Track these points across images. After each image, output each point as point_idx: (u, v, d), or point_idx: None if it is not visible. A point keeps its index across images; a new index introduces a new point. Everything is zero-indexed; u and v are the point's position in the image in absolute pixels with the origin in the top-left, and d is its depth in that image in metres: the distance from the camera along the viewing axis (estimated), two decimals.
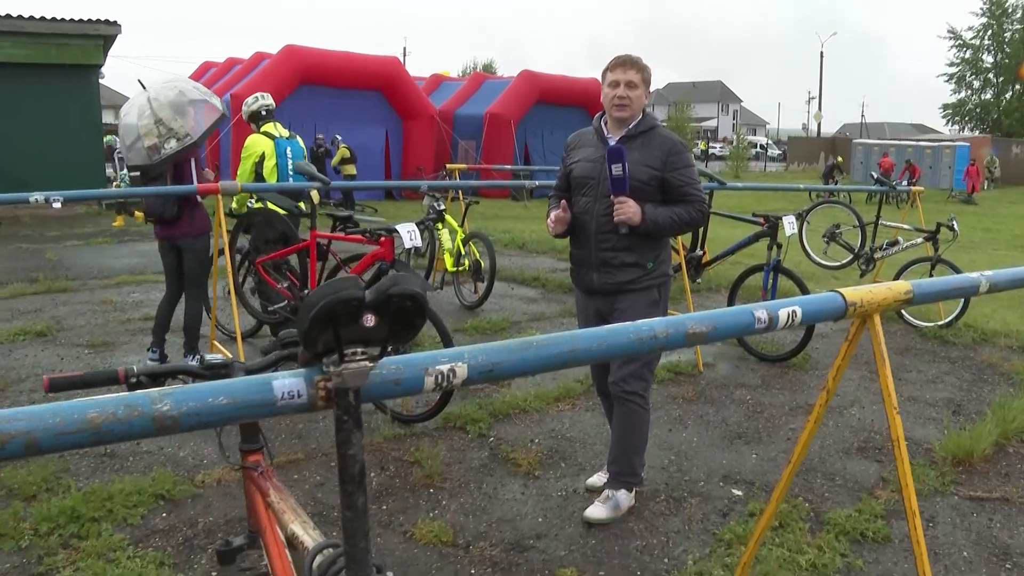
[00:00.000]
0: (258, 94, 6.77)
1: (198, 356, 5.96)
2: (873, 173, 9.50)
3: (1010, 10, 45.25)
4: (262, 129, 6.58)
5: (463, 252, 7.86)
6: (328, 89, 21.38)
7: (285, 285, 5.36)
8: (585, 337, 1.33)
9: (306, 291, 5.17)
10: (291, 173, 6.14)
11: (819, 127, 54.53)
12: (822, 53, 55.77)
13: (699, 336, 1.42)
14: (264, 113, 6.69)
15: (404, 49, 58.73)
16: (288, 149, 6.45)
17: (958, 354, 6.92)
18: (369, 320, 1.00)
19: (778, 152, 57.57)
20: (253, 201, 6.27)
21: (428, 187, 7.11)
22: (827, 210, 8.89)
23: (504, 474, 4.21)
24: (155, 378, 1.60)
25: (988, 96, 46.96)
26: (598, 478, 4.05)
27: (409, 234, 4.54)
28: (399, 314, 1.02)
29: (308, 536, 1.34)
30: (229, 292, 5.60)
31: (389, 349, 1.07)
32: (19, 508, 3.72)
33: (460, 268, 7.86)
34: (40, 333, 6.99)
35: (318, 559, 1.21)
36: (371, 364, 1.04)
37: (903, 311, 7.63)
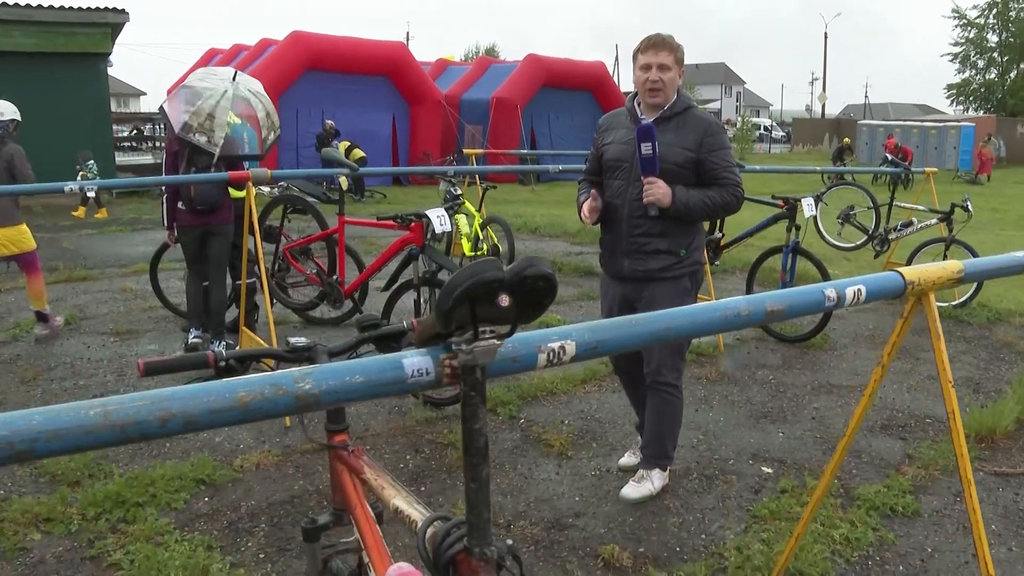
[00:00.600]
0: None
1: (225, 342, 6.06)
2: (888, 155, 9.54)
3: None
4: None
5: (481, 237, 7.91)
6: (334, 75, 21.35)
7: (313, 271, 5.42)
8: (679, 315, 1.41)
9: (335, 276, 5.24)
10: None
11: (823, 108, 54.40)
12: (826, 34, 55.51)
13: (777, 313, 1.49)
14: None
15: (407, 34, 58.57)
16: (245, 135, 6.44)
17: (973, 333, 6.99)
18: (504, 300, 1.06)
19: (782, 134, 57.42)
20: None
21: (455, 172, 7.16)
22: (841, 192, 8.92)
23: (537, 455, 4.29)
24: (242, 361, 1.66)
25: (993, 76, 46.80)
26: (629, 457, 4.11)
27: (439, 219, 4.60)
28: (530, 294, 1.08)
29: (414, 510, 1.40)
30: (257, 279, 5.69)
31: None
32: (66, 493, 3.81)
33: (479, 252, 7.92)
34: (64, 322, 7.06)
35: (430, 531, 1.28)
36: (499, 343, 1.11)
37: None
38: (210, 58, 27.17)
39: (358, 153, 19.31)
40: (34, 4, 16.07)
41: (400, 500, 1.45)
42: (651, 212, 3.51)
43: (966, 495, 2.06)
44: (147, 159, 24.03)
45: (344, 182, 5.23)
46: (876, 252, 8.29)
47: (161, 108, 5.64)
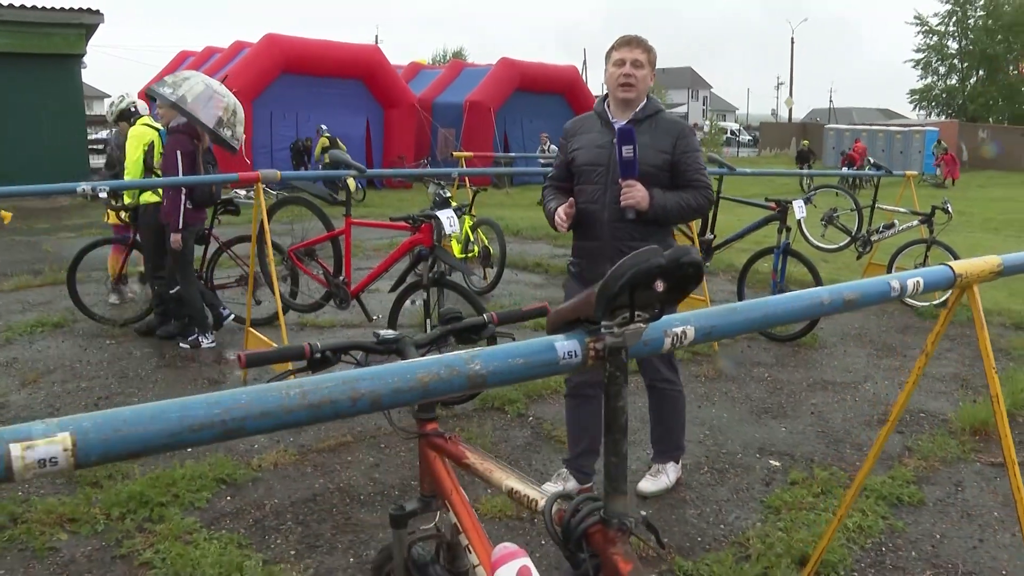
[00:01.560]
0: (123, 94, 6.91)
1: (212, 334, 6.17)
2: (870, 158, 9.77)
3: None
4: (143, 121, 6.60)
5: (471, 238, 7.98)
6: (309, 78, 21.33)
7: (320, 272, 5.47)
8: (774, 303, 1.51)
9: (340, 277, 5.29)
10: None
11: (790, 112, 55.18)
12: (793, 39, 56.43)
13: (852, 302, 1.60)
14: (133, 110, 6.88)
15: (376, 37, 58.45)
16: None
17: (956, 332, 7.18)
18: (659, 286, 1.15)
19: (748, 138, 58.10)
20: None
21: (458, 174, 7.23)
22: (823, 194, 9.12)
23: (550, 451, 4.37)
24: (335, 353, 1.73)
25: (953, 82, 47.77)
26: (549, 487, 3.77)
27: (449, 220, 4.67)
28: (680, 280, 1.17)
29: (532, 489, 1.48)
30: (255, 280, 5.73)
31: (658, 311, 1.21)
32: (89, 494, 3.83)
33: (469, 254, 7.99)
34: (57, 324, 7.04)
35: (555, 508, 1.36)
36: (644, 326, 1.20)
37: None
38: (181, 60, 26.93)
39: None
40: (6, 4, 15.86)
41: (514, 481, 1.52)
42: (628, 215, 3.48)
43: (1010, 474, 2.17)
44: None
45: (352, 183, 5.25)
46: (859, 253, 8.49)
47: (180, 108, 5.61)
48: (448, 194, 7.86)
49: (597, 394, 3.71)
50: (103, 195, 4.99)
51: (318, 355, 1.67)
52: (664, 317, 1.29)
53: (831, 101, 61.77)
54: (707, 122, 43.36)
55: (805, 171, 12.81)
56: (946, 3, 46.51)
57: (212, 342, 6.29)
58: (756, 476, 4.12)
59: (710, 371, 5.80)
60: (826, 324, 7.15)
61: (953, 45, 47.37)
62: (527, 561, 1.54)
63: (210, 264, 6.69)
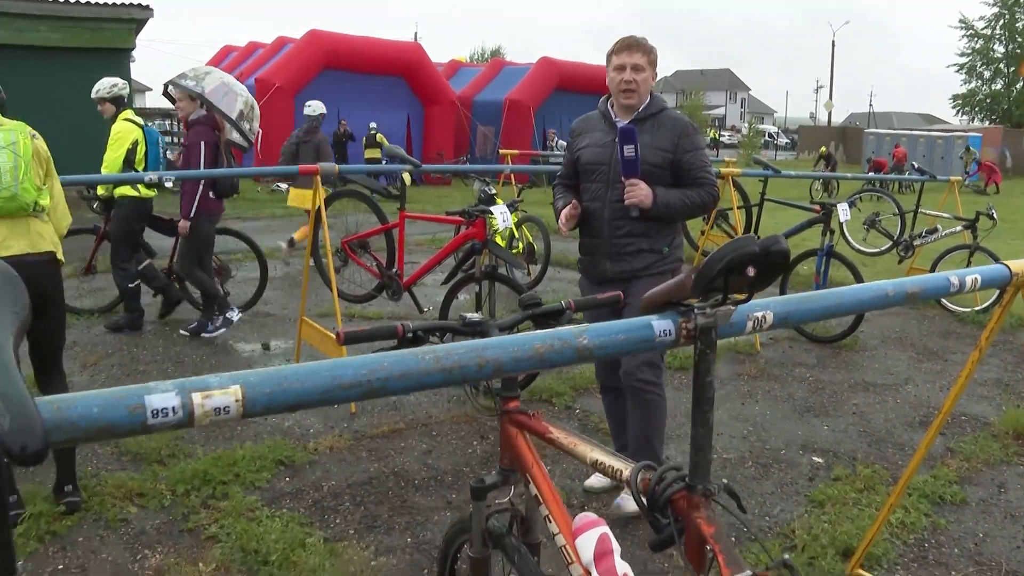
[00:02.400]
0: (116, 79, 6.67)
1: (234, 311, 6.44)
2: (914, 163, 9.76)
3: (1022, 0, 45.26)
4: (126, 116, 6.54)
5: (516, 235, 8.11)
6: (351, 74, 21.55)
7: (373, 264, 5.63)
8: (844, 293, 1.62)
9: (393, 269, 5.45)
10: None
11: (829, 116, 54.67)
12: (833, 42, 55.88)
13: (914, 295, 1.70)
14: (124, 99, 6.76)
15: (415, 35, 58.77)
16: (158, 138, 6.60)
17: (998, 338, 7.18)
18: (751, 271, 1.26)
19: (786, 141, 57.67)
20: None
21: (510, 171, 7.36)
22: (867, 198, 9.14)
23: (600, 440, 4.48)
24: (426, 333, 1.86)
25: (998, 87, 47.02)
26: (596, 479, 3.90)
27: (502, 215, 4.80)
28: (769, 267, 1.28)
29: (616, 460, 1.60)
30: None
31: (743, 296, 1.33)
32: (157, 471, 4.01)
33: (514, 251, 8.10)
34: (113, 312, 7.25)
35: (640, 477, 1.48)
36: (734, 308, 1.32)
37: (942, 298, 7.89)
38: (224, 55, 27.37)
39: (373, 153, 19.52)
40: (60, 0, 16.24)
41: (599, 453, 1.65)
42: (632, 213, 3.50)
43: None
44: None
45: (407, 178, 5.39)
46: (900, 257, 8.51)
47: (205, 100, 5.78)
48: (493, 191, 7.98)
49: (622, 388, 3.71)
50: (168, 184, 5.18)
51: (409, 335, 1.79)
52: (753, 302, 1.41)
53: (871, 105, 61.18)
54: (745, 124, 43.05)
55: (850, 176, 12.71)
56: (993, 6, 45.80)
57: (235, 315, 6.52)
58: (800, 472, 4.20)
59: (752, 370, 5.88)
60: (867, 327, 7.19)
61: (999, 49, 46.62)
62: (606, 529, 1.67)
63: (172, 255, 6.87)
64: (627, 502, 3.62)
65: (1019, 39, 45.33)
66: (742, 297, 1.33)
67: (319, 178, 4.88)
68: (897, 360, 6.34)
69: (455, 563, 2.27)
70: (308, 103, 9.84)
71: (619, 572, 1.61)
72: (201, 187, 6.00)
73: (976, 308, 7.78)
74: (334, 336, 1.65)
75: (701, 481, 1.41)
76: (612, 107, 3.66)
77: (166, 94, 6.59)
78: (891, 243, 8.47)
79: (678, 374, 5.72)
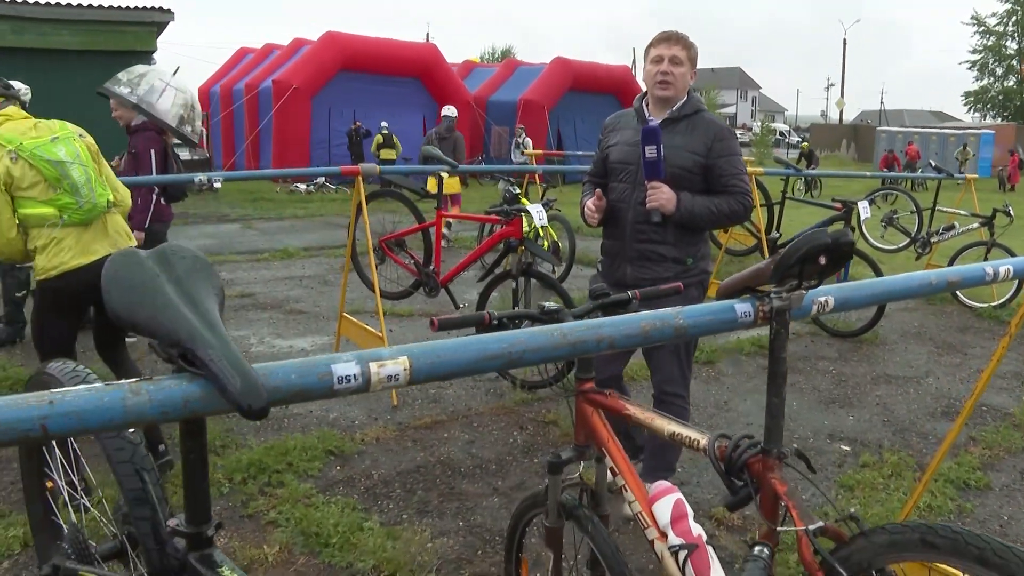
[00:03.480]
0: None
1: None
2: (932, 161, 9.90)
3: None
4: None
5: (541, 234, 8.29)
6: (367, 76, 21.78)
7: (410, 262, 5.82)
8: (892, 281, 1.82)
9: (431, 267, 5.64)
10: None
11: (841, 114, 54.70)
12: (845, 40, 55.87)
13: (955, 284, 1.90)
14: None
15: (427, 35, 59.01)
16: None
17: (1016, 332, 7.33)
18: (822, 260, 1.44)
19: (797, 139, 57.65)
20: None
21: (543, 171, 7.55)
22: (885, 196, 9.28)
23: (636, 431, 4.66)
24: (509, 320, 2.04)
25: (1011, 84, 46.97)
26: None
27: (538, 214, 4.99)
28: (837, 257, 1.46)
29: (692, 431, 1.79)
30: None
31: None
32: (214, 460, 4.20)
33: None
34: None
35: (718, 444, 1.67)
36: (805, 292, 1.50)
37: (958, 292, 8.05)
38: (240, 57, 27.59)
39: (389, 154, 19.72)
40: (84, 4, 16.50)
41: (675, 426, 1.83)
42: (654, 218, 3.37)
43: None
44: (184, 155, 24.43)
45: (445, 176, 5.58)
46: (918, 254, 8.65)
47: (140, 108, 5.38)
48: (517, 190, 8.17)
49: (607, 375, 3.64)
50: (217, 185, 5.37)
51: (495, 322, 1.98)
52: (816, 289, 1.59)
53: (882, 103, 61.10)
54: (756, 123, 43.13)
55: (868, 174, 12.80)
56: (1006, 2, 45.76)
57: None
58: (828, 459, 4.38)
59: None
60: (886, 323, 7.34)
61: (1012, 46, 46.58)
62: (680, 495, 1.86)
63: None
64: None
65: None
66: (812, 283, 1.51)
67: (360, 178, 5.06)
68: (917, 354, 6.50)
69: (523, 537, 2.45)
70: (446, 107, 10.42)
71: (694, 533, 1.80)
72: (154, 196, 5.77)
73: (993, 303, 7.93)
74: (430, 323, 1.83)
75: (775, 445, 1.60)
76: (647, 105, 3.56)
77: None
78: (909, 240, 8.62)
79: (704, 368, 5.90)
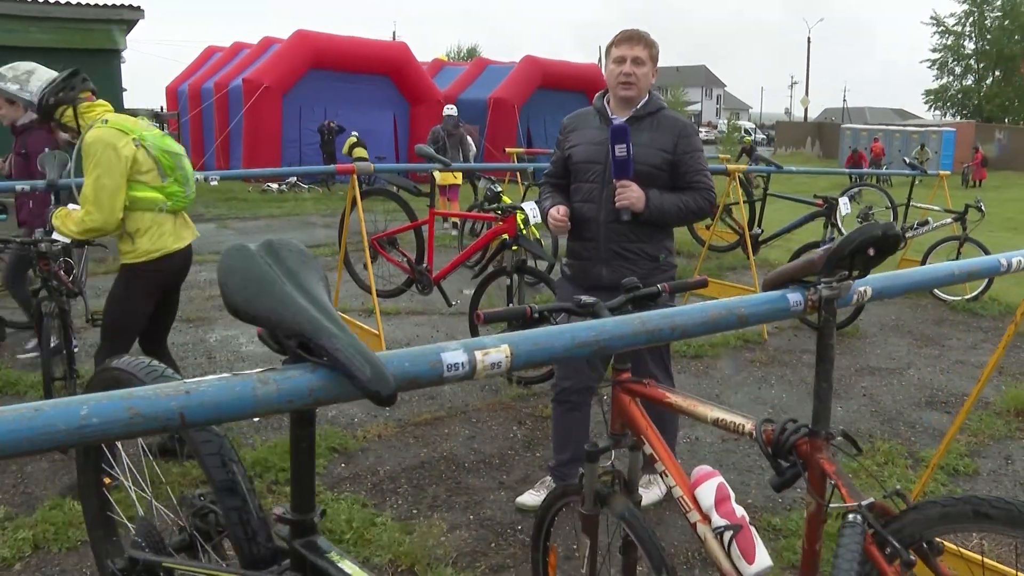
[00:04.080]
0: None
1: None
2: (906, 158, 10.12)
3: None
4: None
5: (523, 231, 8.34)
6: (338, 74, 21.68)
7: (403, 260, 5.86)
8: (925, 271, 1.91)
9: (424, 264, 5.68)
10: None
11: (806, 112, 55.46)
12: (809, 39, 56.69)
13: (973, 274, 2.01)
14: None
15: (393, 34, 58.84)
16: None
17: (988, 324, 7.55)
18: (871, 251, 1.52)
19: (762, 136, 58.31)
20: None
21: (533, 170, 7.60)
22: (855, 192, 9.47)
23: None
24: (549, 313, 2.10)
25: (969, 82, 47.93)
26: (530, 496, 3.80)
27: (532, 212, 5.05)
28: (883, 249, 1.54)
29: (737, 416, 1.86)
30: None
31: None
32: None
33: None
34: None
35: (765, 429, 1.75)
36: (852, 282, 1.58)
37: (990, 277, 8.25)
38: (208, 56, 27.32)
39: (360, 152, 19.67)
40: (52, 1, 16.28)
41: (719, 412, 1.91)
42: (623, 217, 3.36)
43: None
44: None
45: (438, 176, 5.62)
46: None
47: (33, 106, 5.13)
48: (499, 188, 8.23)
49: (583, 401, 3.67)
50: (213, 183, 5.36)
51: (536, 315, 2.04)
52: (857, 280, 1.68)
53: (845, 100, 62.00)
54: (722, 121, 43.63)
55: (847, 171, 13.05)
56: (963, 3, 46.68)
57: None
58: None
59: (763, 357, 6.18)
60: (865, 316, 7.51)
61: (970, 45, 47.53)
62: (722, 479, 1.93)
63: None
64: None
65: (988, 36, 46.24)
66: (860, 273, 1.60)
67: (355, 177, 5.09)
68: (897, 346, 6.66)
69: (551, 526, 2.52)
70: (447, 106, 10.69)
71: (738, 514, 1.88)
72: (53, 199, 5.30)
73: (966, 296, 8.13)
74: (475, 317, 1.89)
75: (823, 427, 1.69)
76: (608, 103, 3.54)
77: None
78: None
79: (693, 362, 6.01)
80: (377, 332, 5.04)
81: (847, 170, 13.45)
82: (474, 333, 5.23)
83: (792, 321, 7.18)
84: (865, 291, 1.71)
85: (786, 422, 1.75)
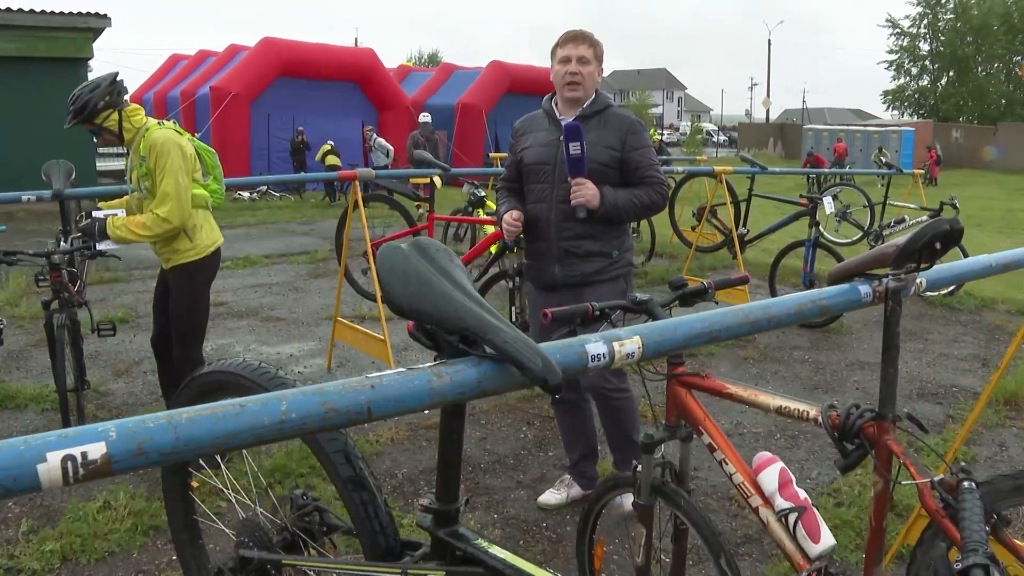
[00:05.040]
0: None
1: None
2: (882, 158, 10.38)
3: (944, 0, 47.25)
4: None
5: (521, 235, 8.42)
6: (305, 81, 21.64)
7: None
8: (964, 264, 2.03)
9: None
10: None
11: (767, 113, 56.27)
12: (769, 41, 57.57)
13: (1008, 266, 2.12)
14: None
15: (356, 40, 58.67)
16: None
17: (966, 318, 7.78)
18: (938, 245, 1.63)
19: (724, 138, 59.02)
20: None
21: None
22: (838, 192, 9.71)
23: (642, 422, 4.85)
24: (608, 310, 2.19)
25: (925, 83, 48.95)
26: (551, 495, 3.86)
27: None
28: (948, 243, 1.66)
29: (801, 404, 1.97)
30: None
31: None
32: (239, 468, 4.23)
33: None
34: (122, 320, 7.38)
35: (831, 414, 1.86)
36: (916, 274, 1.70)
37: None
38: (173, 64, 27.12)
39: (333, 160, 19.64)
40: (15, 8, 16.06)
41: (781, 400, 2.01)
42: (579, 214, 3.38)
43: None
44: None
45: (438, 181, 5.69)
46: (871, 247, 9.06)
47: None
48: (483, 193, 8.30)
49: (578, 400, 3.74)
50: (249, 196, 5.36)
51: (596, 312, 2.13)
52: (889, 272, 1.79)
53: (804, 102, 63.01)
54: (684, 123, 44.11)
55: (827, 171, 13.32)
56: (917, 5, 47.69)
57: None
58: (825, 440, 4.63)
59: (755, 354, 6.32)
60: (848, 313, 7.69)
61: (924, 47, 48.57)
62: (783, 464, 2.03)
63: None
64: (626, 500, 3.71)
65: (942, 37, 47.27)
66: (927, 266, 1.72)
67: (357, 183, 5.14)
68: (879, 341, 6.85)
69: (598, 518, 2.60)
70: (423, 114, 10.83)
71: (801, 496, 1.98)
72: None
73: (942, 292, 8.36)
74: (542, 316, 1.96)
75: (889, 410, 1.80)
76: (556, 105, 3.58)
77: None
78: (862, 233, 9.03)
79: (688, 360, 6.13)
80: (383, 338, 5.09)
81: (828, 170, 13.72)
82: None
83: None
84: (921, 282, 1.83)
85: (851, 407, 1.86)
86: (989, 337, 7.10)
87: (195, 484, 2.33)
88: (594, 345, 1.25)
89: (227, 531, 2.22)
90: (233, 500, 2.26)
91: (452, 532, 1.56)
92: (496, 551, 1.47)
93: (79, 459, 0.88)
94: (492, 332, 1.17)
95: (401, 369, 1.13)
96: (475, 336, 1.19)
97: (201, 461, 2.26)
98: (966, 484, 1.67)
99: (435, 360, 1.25)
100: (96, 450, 0.89)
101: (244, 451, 2.29)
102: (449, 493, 1.58)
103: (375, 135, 19.98)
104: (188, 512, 2.31)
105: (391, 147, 19.34)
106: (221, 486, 2.25)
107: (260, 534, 2.00)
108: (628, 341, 1.29)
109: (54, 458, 0.87)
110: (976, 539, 1.46)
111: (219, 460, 2.33)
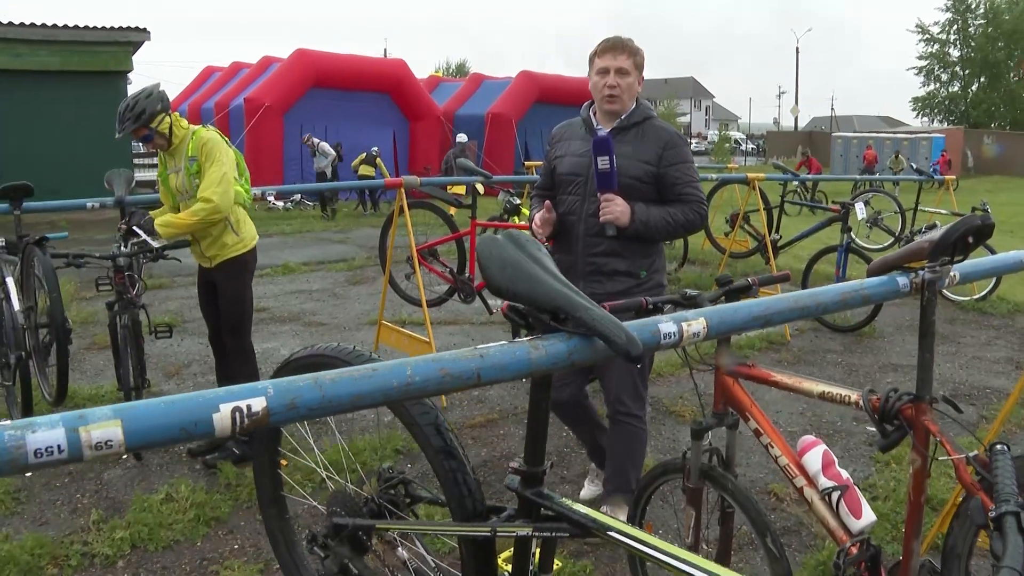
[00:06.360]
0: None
1: None
2: (912, 164, 10.44)
3: (973, 5, 46.94)
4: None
5: None
6: (338, 92, 21.96)
7: (447, 271, 6.10)
8: (1001, 259, 2.17)
9: (466, 274, 5.92)
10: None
11: (796, 121, 56.13)
12: (798, 48, 57.38)
13: None
14: None
15: (384, 51, 59.27)
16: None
17: (998, 323, 7.84)
18: (971, 239, 1.78)
19: (752, 146, 58.88)
20: None
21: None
22: (870, 197, 9.79)
23: (674, 423, 5.00)
24: (661, 304, 2.34)
25: (956, 89, 48.62)
26: (590, 488, 3.95)
27: None
28: (980, 237, 1.80)
29: (843, 389, 2.12)
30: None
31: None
32: (295, 462, 4.42)
33: None
34: (170, 324, 7.61)
35: (872, 397, 2.01)
36: (951, 266, 1.85)
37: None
38: (207, 76, 27.62)
39: (367, 170, 19.91)
40: (59, 24, 16.52)
41: (823, 386, 2.16)
42: (608, 231, 3.26)
43: None
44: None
45: (480, 188, 5.88)
46: None
47: None
48: (519, 201, 8.47)
49: (573, 399, 3.69)
50: (270, 198, 5.59)
51: (650, 307, 2.28)
52: (952, 265, 1.94)
53: (832, 109, 62.72)
54: (712, 132, 44.12)
55: (857, 177, 13.37)
56: (947, 11, 47.42)
57: None
58: (858, 439, 4.75)
59: (789, 357, 6.44)
60: (881, 316, 7.78)
61: (955, 53, 48.26)
62: (826, 447, 2.18)
63: None
64: (588, 491, 3.94)
65: (972, 43, 46.95)
66: (960, 259, 1.87)
67: (403, 190, 5.33)
68: (914, 344, 6.86)
69: (647, 504, 2.76)
70: (459, 135, 11.01)
71: (844, 476, 2.13)
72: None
73: (975, 296, 8.42)
74: (605, 310, 2.12)
75: (926, 393, 1.95)
76: (594, 114, 3.46)
77: None
78: (893, 239, 9.09)
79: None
80: (428, 340, 5.27)
81: (860, 176, 13.76)
82: (516, 333, 5.45)
83: (812, 323, 7.44)
84: (954, 275, 1.98)
85: (890, 391, 2.01)
86: (1022, 341, 7.16)
87: (284, 463, 2.51)
88: (666, 324, 1.42)
89: (317, 505, 2.40)
90: (324, 476, 2.44)
91: (537, 492, 1.73)
92: (579, 507, 1.63)
93: (245, 410, 1.05)
94: (581, 310, 1.34)
95: (504, 342, 1.30)
96: (566, 314, 1.36)
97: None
98: (999, 447, 1.80)
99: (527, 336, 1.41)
100: (258, 403, 1.06)
101: (337, 433, 2.46)
102: (536, 457, 1.75)
103: (315, 139, 20.36)
104: (276, 488, 2.50)
105: (333, 152, 19.77)
106: (314, 464, 2.42)
107: (350, 504, 2.17)
108: (695, 322, 1.45)
109: (226, 408, 1.04)
110: (1008, 490, 1.58)
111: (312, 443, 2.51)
